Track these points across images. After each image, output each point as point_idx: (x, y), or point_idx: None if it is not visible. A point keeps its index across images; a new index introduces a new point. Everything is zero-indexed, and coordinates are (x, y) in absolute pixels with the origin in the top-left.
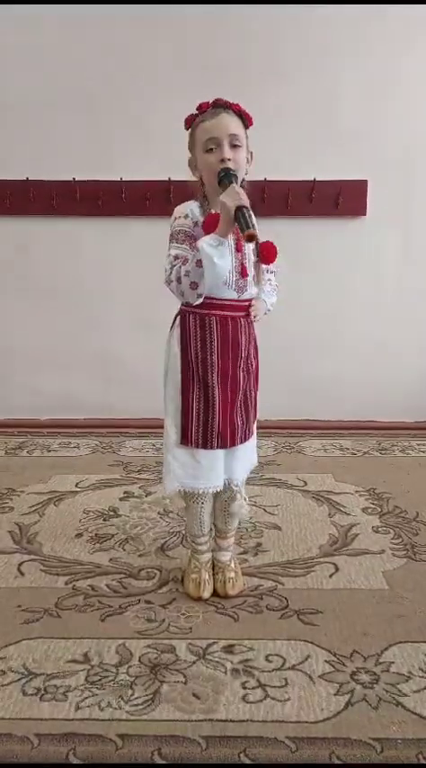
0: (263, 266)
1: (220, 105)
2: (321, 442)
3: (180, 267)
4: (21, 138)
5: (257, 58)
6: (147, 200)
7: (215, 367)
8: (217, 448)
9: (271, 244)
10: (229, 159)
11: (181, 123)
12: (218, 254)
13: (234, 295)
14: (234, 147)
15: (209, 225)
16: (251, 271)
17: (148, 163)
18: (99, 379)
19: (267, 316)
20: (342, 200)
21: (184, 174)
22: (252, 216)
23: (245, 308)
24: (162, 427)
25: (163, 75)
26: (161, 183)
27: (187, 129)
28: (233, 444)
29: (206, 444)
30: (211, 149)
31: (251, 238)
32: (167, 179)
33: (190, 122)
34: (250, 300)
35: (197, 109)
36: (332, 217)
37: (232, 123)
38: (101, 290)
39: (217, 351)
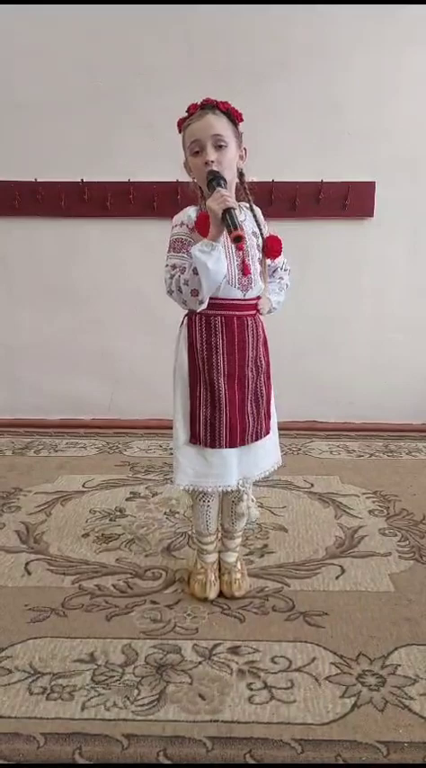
0: (272, 263)
1: (207, 106)
2: (328, 443)
3: (179, 277)
4: (29, 140)
5: (265, 59)
6: (155, 201)
7: (221, 367)
8: (227, 447)
9: (276, 237)
10: (213, 161)
11: (179, 134)
12: (211, 260)
13: (239, 294)
14: (219, 147)
15: (201, 223)
16: (254, 268)
17: (156, 164)
18: (106, 380)
19: (271, 315)
20: (350, 201)
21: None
22: (237, 217)
23: (252, 306)
24: (168, 428)
25: (171, 77)
26: (169, 184)
27: (180, 133)
28: (242, 443)
29: (214, 443)
30: (197, 152)
31: (237, 239)
32: (175, 180)
33: (181, 125)
34: (257, 298)
35: (186, 111)
36: (340, 218)
37: (216, 123)
38: (108, 291)
39: (222, 351)
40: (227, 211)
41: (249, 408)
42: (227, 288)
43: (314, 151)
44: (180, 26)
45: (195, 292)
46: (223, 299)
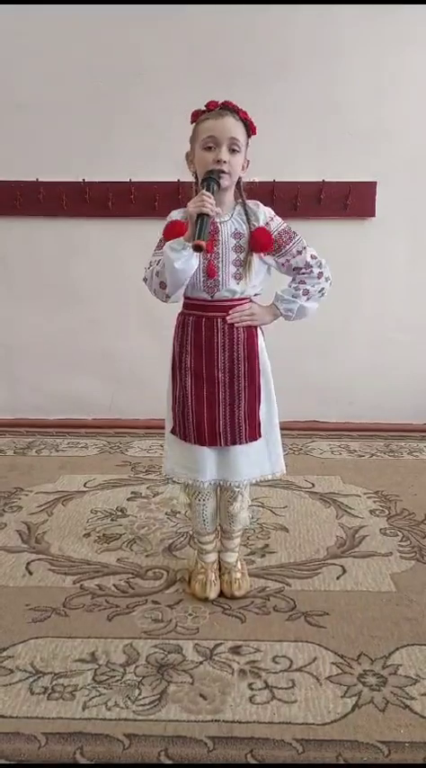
0: (291, 261)
1: (228, 108)
2: (329, 443)
3: (154, 268)
4: (30, 140)
5: (267, 59)
6: (156, 201)
7: (189, 366)
8: (195, 443)
9: (264, 230)
10: (225, 161)
11: (190, 125)
12: (180, 260)
13: (205, 296)
14: (232, 150)
15: (168, 230)
16: (225, 270)
17: (157, 164)
18: (107, 380)
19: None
20: (351, 201)
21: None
22: (207, 225)
23: (224, 308)
24: None
25: (172, 77)
26: (170, 184)
27: (192, 123)
28: (213, 444)
29: (185, 438)
30: (209, 147)
31: (197, 248)
32: (176, 180)
33: (196, 117)
34: (231, 300)
35: (205, 106)
36: (341, 218)
37: (235, 127)
38: (109, 291)
39: (190, 350)
40: (200, 217)
41: (221, 411)
42: (193, 289)
43: (315, 151)
44: (180, 26)
45: (163, 285)
46: (194, 300)
